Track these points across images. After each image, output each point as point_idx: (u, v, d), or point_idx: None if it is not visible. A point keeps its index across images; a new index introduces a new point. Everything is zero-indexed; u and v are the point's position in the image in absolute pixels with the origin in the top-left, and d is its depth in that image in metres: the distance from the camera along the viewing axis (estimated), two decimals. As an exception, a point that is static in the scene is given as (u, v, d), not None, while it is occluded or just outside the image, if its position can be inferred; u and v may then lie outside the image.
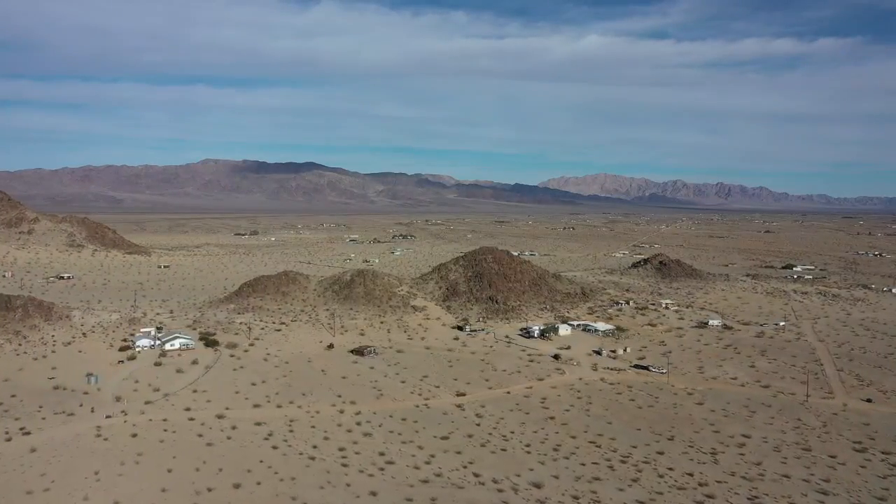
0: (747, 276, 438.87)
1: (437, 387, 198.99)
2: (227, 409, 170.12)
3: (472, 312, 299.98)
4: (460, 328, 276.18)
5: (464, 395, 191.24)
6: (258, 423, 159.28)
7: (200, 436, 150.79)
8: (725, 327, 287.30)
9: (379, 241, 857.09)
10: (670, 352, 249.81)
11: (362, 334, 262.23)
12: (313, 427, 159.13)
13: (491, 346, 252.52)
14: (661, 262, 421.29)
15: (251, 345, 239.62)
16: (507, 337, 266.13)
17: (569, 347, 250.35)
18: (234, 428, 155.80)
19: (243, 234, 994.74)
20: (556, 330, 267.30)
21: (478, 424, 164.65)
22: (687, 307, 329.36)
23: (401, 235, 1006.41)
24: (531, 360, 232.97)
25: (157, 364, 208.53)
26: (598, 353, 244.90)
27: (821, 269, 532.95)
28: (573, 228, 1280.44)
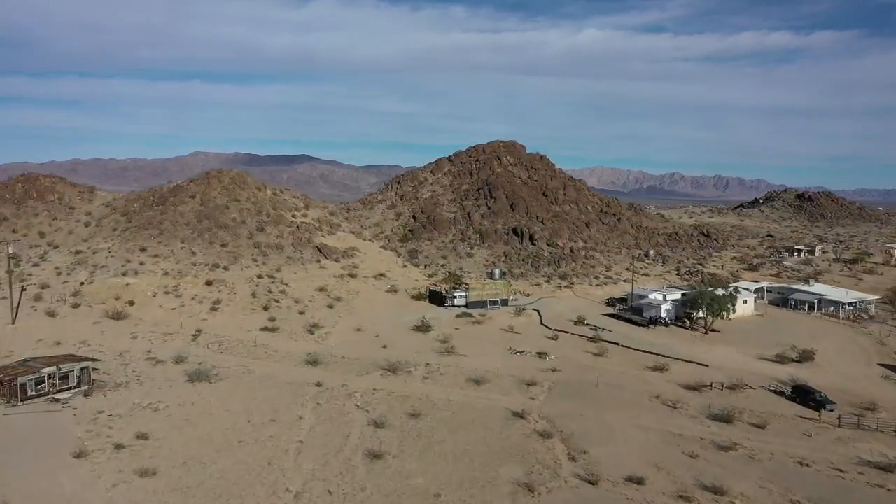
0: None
1: None
2: None
3: (470, 262, 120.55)
4: (439, 298, 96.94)
5: None
6: None
7: None
8: None
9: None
10: None
11: (112, 316, 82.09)
12: None
13: (543, 355, 72.73)
14: (799, 196, 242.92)
15: None
16: (583, 323, 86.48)
17: (812, 355, 71.32)
18: None
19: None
20: (726, 301, 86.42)
21: None
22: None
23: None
24: (724, 421, 54.06)
25: None
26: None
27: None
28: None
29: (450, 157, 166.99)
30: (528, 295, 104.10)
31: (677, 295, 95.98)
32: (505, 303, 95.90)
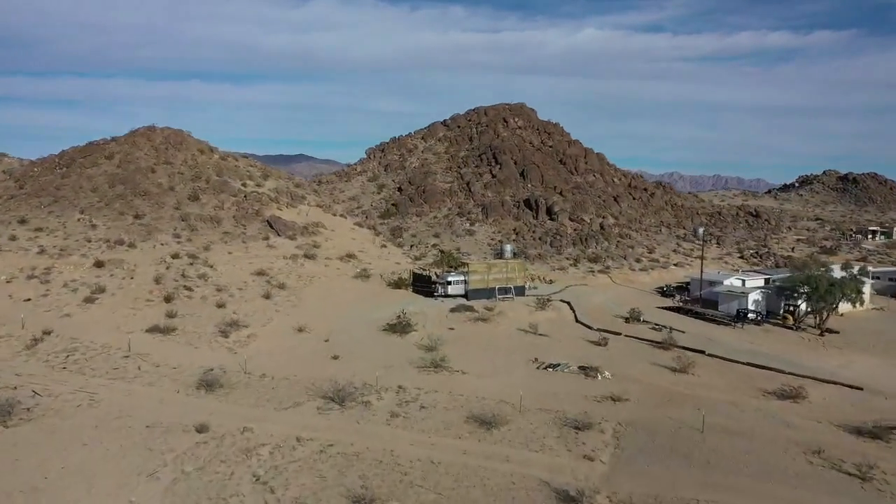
0: None
1: None
2: None
3: (471, 241, 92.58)
4: (428, 285, 68.92)
5: None
6: None
7: None
8: None
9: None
10: None
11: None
12: None
13: (592, 372, 44.52)
14: (841, 179, 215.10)
15: None
16: (638, 319, 58.33)
17: None
18: None
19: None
20: (852, 289, 58.24)
21: None
22: None
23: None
24: None
25: None
26: None
27: None
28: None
29: (445, 121, 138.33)
30: (551, 282, 76.18)
31: (759, 281, 68.41)
32: (521, 291, 67.88)
